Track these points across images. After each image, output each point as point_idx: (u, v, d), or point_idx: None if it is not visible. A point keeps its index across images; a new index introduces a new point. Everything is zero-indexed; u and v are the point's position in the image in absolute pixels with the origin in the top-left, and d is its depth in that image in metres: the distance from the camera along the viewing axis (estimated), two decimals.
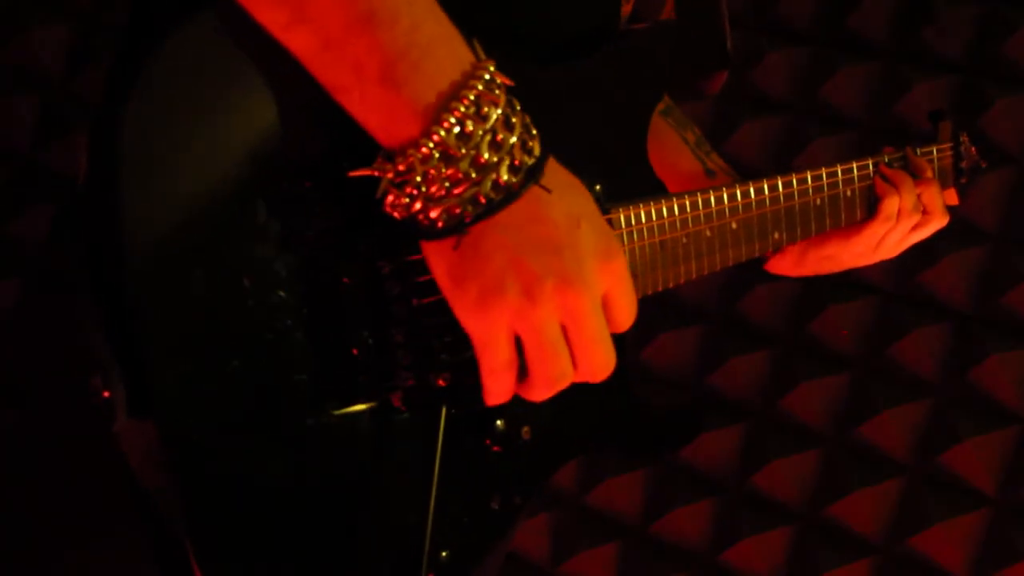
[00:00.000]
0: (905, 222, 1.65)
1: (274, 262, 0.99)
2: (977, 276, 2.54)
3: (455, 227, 0.92)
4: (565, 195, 0.96)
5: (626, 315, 1.02)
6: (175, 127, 0.93)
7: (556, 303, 0.95)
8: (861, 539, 2.58)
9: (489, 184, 0.91)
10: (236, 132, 0.96)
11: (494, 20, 1.13)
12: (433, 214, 0.92)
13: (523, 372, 0.99)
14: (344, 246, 1.03)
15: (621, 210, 1.22)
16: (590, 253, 0.96)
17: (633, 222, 1.23)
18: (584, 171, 1.19)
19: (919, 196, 1.65)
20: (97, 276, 0.94)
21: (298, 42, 0.88)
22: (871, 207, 1.63)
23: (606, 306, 1.00)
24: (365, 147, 0.92)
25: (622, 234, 1.22)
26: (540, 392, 1.00)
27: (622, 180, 1.25)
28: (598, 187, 1.21)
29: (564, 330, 0.97)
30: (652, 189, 1.31)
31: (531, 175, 0.92)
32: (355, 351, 1.04)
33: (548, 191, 0.93)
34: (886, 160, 1.66)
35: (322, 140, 0.95)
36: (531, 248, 0.93)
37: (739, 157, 2.79)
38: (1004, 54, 2.57)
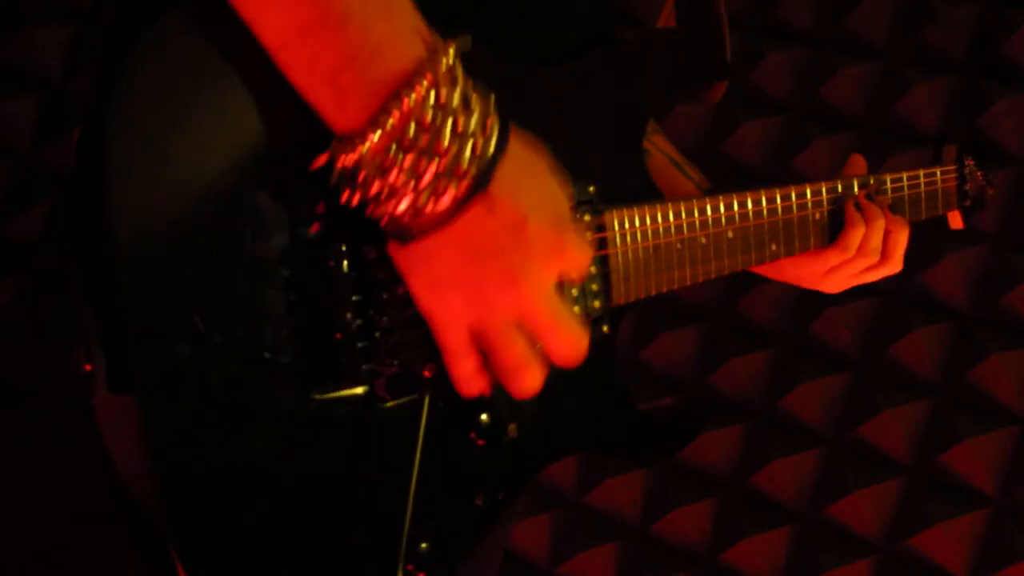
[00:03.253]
0: (861, 261, 1.59)
1: (259, 244, 0.99)
2: (977, 276, 2.54)
3: (398, 235, 0.95)
4: (513, 193, 0.95)
5: (581, 275, 1.03)
6: (161, 111, 0.94)
7: (499, 302, 0.97)
8: (861, 539, 2.58)
9: (428, 193, 0.92)
10: (221, 118, 0.97)
11: (494, 20, 1.14)
12: (377, 212, 0.94)
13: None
14: (330, 230, 1.03)
15: (615, 212, 1.22)
16: (538, 249, 0.97)
17: (627, 225, 1.23)
18: (579, 172, 1.20)
19: (886, 235, 1.59)
20: (82, 250, 0.96)
21: (263, 38, 0.91)
22: (834, 233, 1.56)
23: (563, 277, 1.01)
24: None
25: (615, 236, 1.22)
26: (511, 380, 1.01)
27: (617, 183, 1.25)
28: (592, 188, 1.21)
29: (519, 322, 0.99)
30: (648, 194, 1.30)
31: (475, 187, 0.92)
32: (338, 335, 1.05)
33: (490, 203, 0.94)
34: (871, 182, 1.60)
35: (304, 127, 0.96)
36: (474, 253, 0.95)
37: (739, 157, 2.80)
38: (1004, 54, 2.57)
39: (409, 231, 0.94)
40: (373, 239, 1.03)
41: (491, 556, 1.43)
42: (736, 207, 1.38)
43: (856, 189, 1.58)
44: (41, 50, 2.61)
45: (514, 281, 0.96)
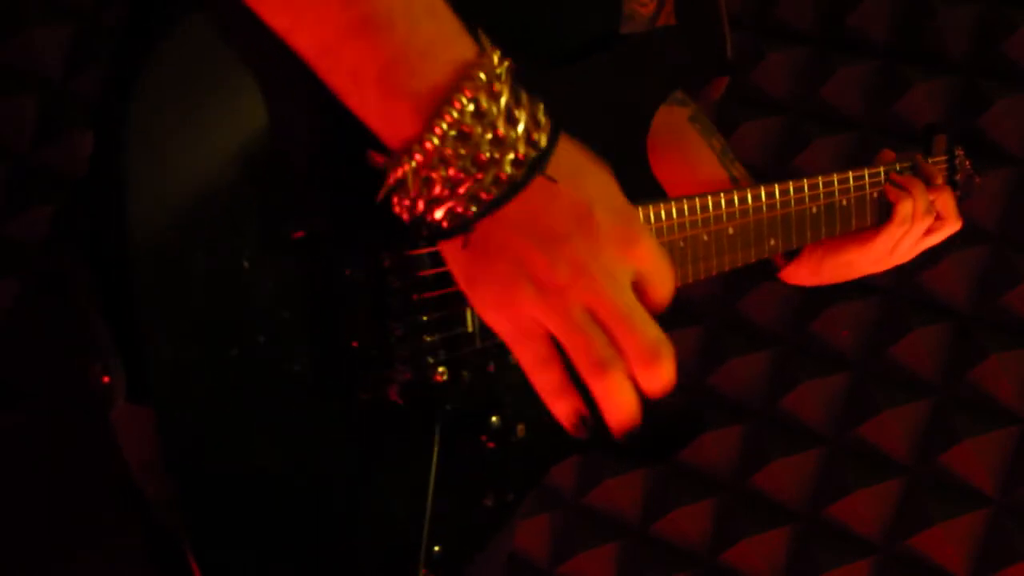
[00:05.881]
0: (919, 225, 1.67)
1: (275, 252, 0.99)
2: (977, 276, 2.54)
3: (460, 226, 0.90)
4: (576, 181, 0.93)
5: (661, 293, 0.96)
6: (177, 118, 0.94)
7: (575, 291, 0.91)
8: (861, 539, 2.58)
9: (491, 180, 0.88)
10: (238, 124, 0.96)
11: (496, 20, 1.14)
12: (438, 214, 0.90)
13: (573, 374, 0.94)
14: (347, 237, 1.03)
15: None
16: (607, 238, 0.92)
17: None
18: None
19: (932, 201, 1.68)
20: (99, 262, 0.95)
21: (299, 47, 0.88)
22: (884, 212, 1.65)
23: (639, 288, 0.95)
24: (368, 140, 0.92)
25: None
26: (598, 385, 0.93)
27: (619, 182, 1.25)
28: None
29: (595, 316, 0.92)
30: (650, 193, 1.31)
31: (534, 168, 0.89)
32: (354, 343, 1.05)
33: (554, 181, 0.91)
34: (897, 168, 1.69)
35: (324, 132, 0.95)
36: (540, 240, 0.91)
37: (739, 157, 2.79)
38: (1004, 54, 2.57)
39: (468, 218, 0.89)
40: (389, 247, 1.03)
41: (496, 557, 1.43)
42: (736, 203, 1.38)
43: (851, 181, 1.60)
44: (41, 50, 2.61)
45: (583, 267, 0.90)
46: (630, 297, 0.93)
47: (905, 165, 1.71)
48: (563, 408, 0.95)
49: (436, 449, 1.11)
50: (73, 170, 2.49)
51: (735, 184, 1.64)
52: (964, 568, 2.46)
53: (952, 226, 1.74)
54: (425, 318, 1.05)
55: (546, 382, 0.95)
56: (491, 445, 1.17)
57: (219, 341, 0.97)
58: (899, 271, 2.55)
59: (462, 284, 0.95)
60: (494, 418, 1.16)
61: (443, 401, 1.11)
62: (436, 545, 1.13)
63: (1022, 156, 2.53)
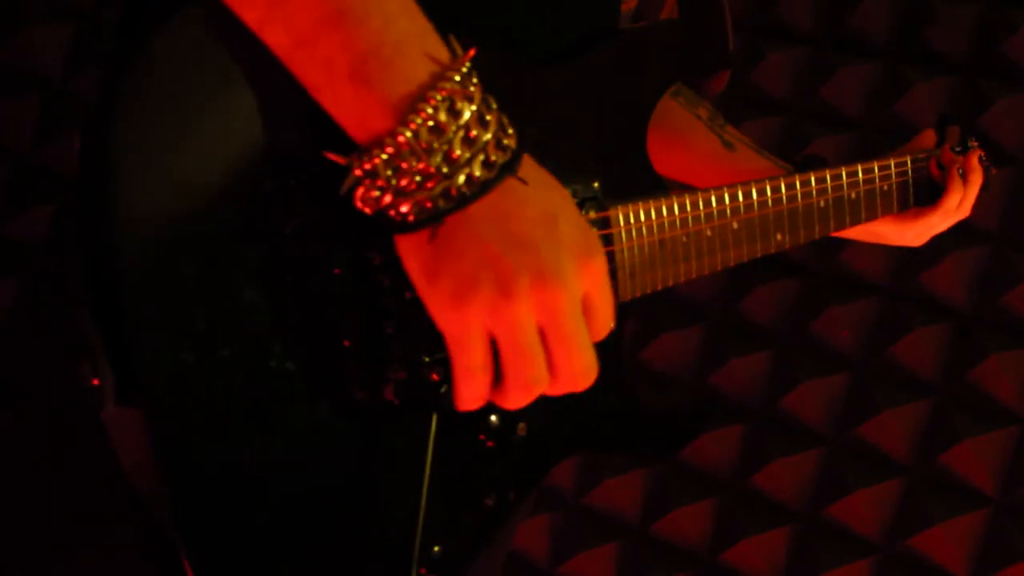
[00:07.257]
0: (955, 218, 1.75)
1: (265, 251, 0.99)
2: (977, 276, 2.54)
3: (428, 219, 0.90)
4: (541, 191, 0.94)
5: (603, 320, 0.98)
6: (164, 119, 0.94)
7: (533, 300, 0.92)
8: (861, 539, 2.58)
9: (462, 179, 0.89)
10: (224, 123, 0.96)
11: (494, 19, 1.14)
12: (404, 208, 0.90)
13: (497, 377, 0.96)
14: (335, 236, 1.02)
15: (619, 208, 1.22)
16: (569, 250, 0.93)
17: (632, 220, 1.23)
18: (583, 168, 1.19)
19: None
20: (88, 263, 0.95)
21: (272, 40, 0.89)
22: (932, 196, 1.70)
23: (585, 309, 0.97)
24: (348, 139, 0.93)
25: (620, 232, 1.22)
26: (514, 397, 0.96)
27: (621, 178, 1.24)
28: (596, 184, 1.21)
29: (541, 331, 0.94)
30: (652, 187, 1.30)
31: (506, 169, 0.91)
32: (346, 342, 1.04)
33: (524, 183, 0.92)
34: (907, 161, 1.70)
35: (308, 132, 0.95)
36: (507, 243, 0.91)
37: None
38: (1004, 54, 2.57)
39: (437, 215, 0.90)
40: (377, 245, 1.02)
41: (496, 556, 1.43)
42: (741, 198, 1.38)
43: (860, 174, 1.60)
44: (41, 50, 2.60)
45: (548, 277, 0.92)
46: (579, 319, 0.95)
47: (920, 158, 1.72)
48: (469, 406, 0.98)
49: (431, 449, 1.11)
50: (73, 170, 2.49)
51: (728, 148, 1.64)
52: (964, 568, 2.46)
53: (963, 215, 1.78)
54: (418, 316, 1.05)
55: (470, 388, 0.96)
56: (490, 444, 1.16)
57: (210, 341, 0.97)
58: (899, 271, 2.57)
59: (419, 279, 0.94)
60: (493, 417, 1.16)
61: (439, 400, 1.10)
62: (436, 545, 1.13)
63: (1022, 156, 2.53)
